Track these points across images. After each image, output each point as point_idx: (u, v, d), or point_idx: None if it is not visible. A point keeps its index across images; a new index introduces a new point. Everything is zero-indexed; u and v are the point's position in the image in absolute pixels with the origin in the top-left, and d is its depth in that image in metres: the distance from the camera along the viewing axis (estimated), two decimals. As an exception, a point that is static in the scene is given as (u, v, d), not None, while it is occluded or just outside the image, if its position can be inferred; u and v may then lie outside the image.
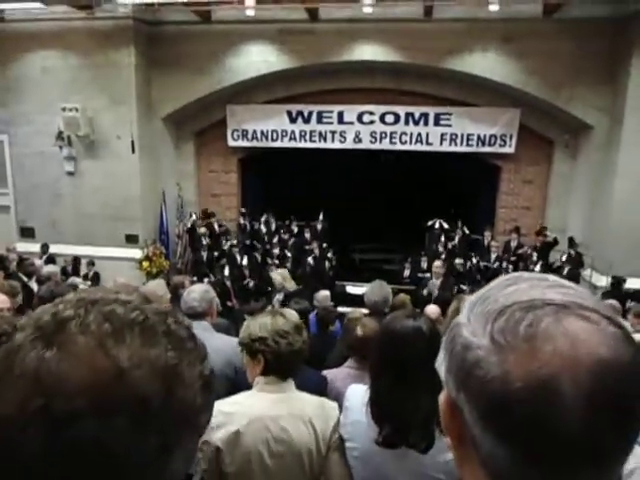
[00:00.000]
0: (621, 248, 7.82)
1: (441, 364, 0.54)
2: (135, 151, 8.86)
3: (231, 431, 1.59)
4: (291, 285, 5.24)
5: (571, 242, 8.36)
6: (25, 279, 5.64)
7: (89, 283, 7.80)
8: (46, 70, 8.99)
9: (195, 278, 8.47)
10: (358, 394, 1.62)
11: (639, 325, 4.59)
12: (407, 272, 8.77)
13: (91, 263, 8.81)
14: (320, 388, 2.20)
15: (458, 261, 8.47)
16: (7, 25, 8.90)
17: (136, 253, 9.28)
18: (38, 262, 7.22)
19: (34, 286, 5.36)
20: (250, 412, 1.62)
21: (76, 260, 8.93)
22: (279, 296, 4.86)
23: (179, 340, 0.53)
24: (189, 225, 9.60)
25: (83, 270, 8.83)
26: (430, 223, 9.35)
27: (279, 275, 5.63)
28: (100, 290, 0.56)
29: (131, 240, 9.33)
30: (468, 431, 0.50)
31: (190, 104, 9.42)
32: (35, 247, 9.11)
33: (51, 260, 8.76)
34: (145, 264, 9.20)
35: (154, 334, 0.51)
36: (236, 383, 2.21)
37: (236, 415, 1.62)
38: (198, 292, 2.71)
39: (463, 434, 0.51)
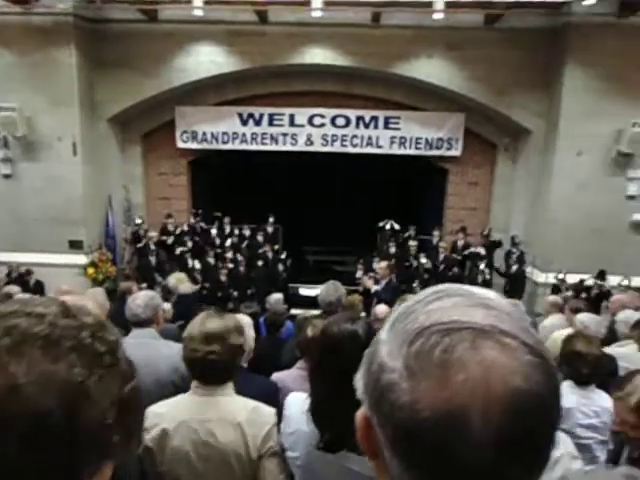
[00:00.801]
0: (559, 246, 8.28)
1: (359, 379, 0.53)
2: (78, 153, 8.51)
3: (159, 430, 1.62)
4: (186, 287, 5.15)
5: (513, 241, 8.76)
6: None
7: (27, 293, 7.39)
8: (-22, 67, 8.47)
9: (145, 285, 8.24)
10: (298, 402, 1.63)
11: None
12: (360, 273, 8.89)
13: (27, 273, 8.34)
14: (268, 395, 2.19)
15: (424, 261, 8.71)
16: None
17: (80, 259, 8.90)
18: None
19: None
20: (178, 414, 1.64)
21: (13, 268, 8.43)
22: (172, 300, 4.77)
23: (93, 355, 0.52)
24: (136, 229, 9.31)
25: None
26: (381, 224, 9.53)
27: (173, 278, 5.53)
28: (19, 302, 0.54)
29: (75, 246, 8.94)
30: (380, 450, 0.49)
31: (137, 105, 9.15)
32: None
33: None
34: (90, 270, 8.84)
35: (58, 349, 0.50)
36: (182, 390, 2.18)
37: (165, 416, 1.65)
38: (142, 299, 2.64)
39: (377, 451, 0.51)
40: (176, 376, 2.40)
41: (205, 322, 1.73)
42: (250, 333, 2.56)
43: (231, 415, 1.66)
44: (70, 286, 6.08)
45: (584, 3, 7.33)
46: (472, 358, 0.43)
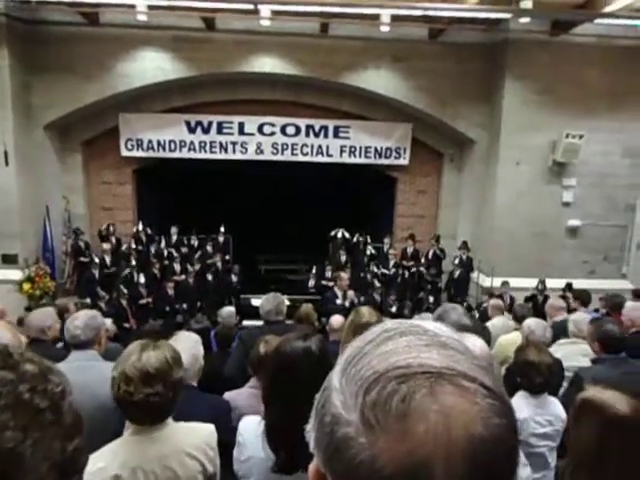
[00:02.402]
0: (502, 252, 8.64)
1: (311, 431, 0.49)
2: (10, 163, 8.00)
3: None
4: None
5: (464, 246, 9.03)
6: None
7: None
8: None
9: (88, 300, 7.85)
10: (251, 427, 1.58)
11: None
12: (312, 282, 8.89)
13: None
14: (220, 414, 2.10)
15: (384, 270, 8.83)
16: None
17: (15, 274, 8.34)
18: None
19: None
20: (127, 460, 1.48)
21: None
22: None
23: (30, 413, 0.47)
24: (76, 242, 8.85)
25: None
26: (333, 233, 9.57)
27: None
28: None
29: (9, 260, 8.38)
30: None
31: (77, 111, 8.74)
32: None
33: None
34: (26, 286, 8.30)
35: None
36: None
37: (112, 465, 1.47)
38: (82, 319, 2.47)
39: None
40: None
41: (141, 357, 1.52)
42: (199, 351, 2.46)
43: (174, 446, 1.55)
44: (3, 304, 5.72)
45: (520, 20, 7.73)
46: (431, 406, 0.41)
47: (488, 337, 3.78)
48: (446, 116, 9.07)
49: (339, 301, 7.00)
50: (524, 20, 7.70)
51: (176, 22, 8.27)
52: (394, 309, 8.46)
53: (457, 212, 9.96)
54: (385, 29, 8.18)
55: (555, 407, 2.52)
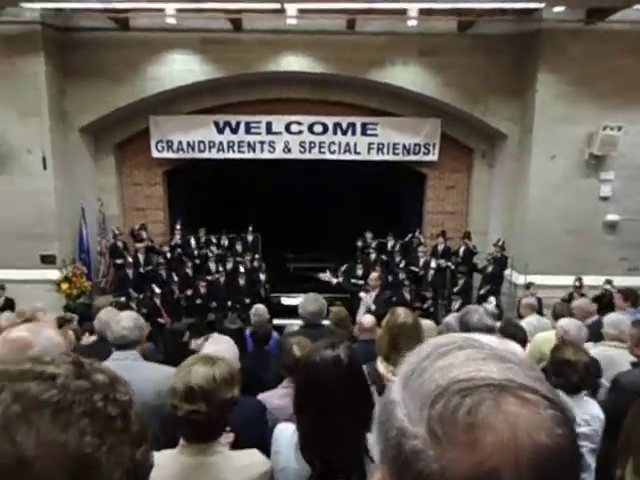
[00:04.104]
0: (536, 248, 8.41)
1: (375, 444, 0.50)
2: (48, 166, 8.26)
3: None
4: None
5: (499, 245, 8.83)
6: None
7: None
8: (-59, 78, 8.15)
9: (123, 298, 8.06)
10: (286, 437, 1.57)
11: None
12: (341, 280, 8.86)
13: (1, 287, 8.06)
14: (255, 417, 2.11)
15: (414, 268, 8.75)
16: None
17: (53, 274, 8.62)
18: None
19: None
20: (166, 478, 1.45)
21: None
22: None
23: (104, 420, 0.49)
24: (113, 242, 9.10)
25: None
26: (360, 243, 9.56)
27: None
28: (31, 361, 0.52)
29: (47, 260, 8.65)
30: None
31: (109, 115, 8.95)
32: None
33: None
34: (64, 286, 8.56)
35: (69, 415, 0.47)
36: (166, 415, 2.09)
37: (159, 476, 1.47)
38: (129, 320, 2.53)
39: None
40: (160, 401, 2.31)
41: (190, 372, 1.51)
42: (235, 352, 2.47)
43: (225, 477, 1.52)
44: (42, 303, 5.92)
45: (554, 9, 7.50)
46: (497, 418, 0.43)
47: (523, 336, 3.70)
48: (476, 110, 8.89)
49: (367, 301, 6.97)
50: (558, 9, 7.46)
51: (204, 24, 8.36)
52: (424, 307, 8.37)
53: (488, 208, 9.76)
54: (413, 23, 8.07)
55: (592, 407, 2.46)
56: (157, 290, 8.15)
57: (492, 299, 7.87)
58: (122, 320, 2.52)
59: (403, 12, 7.78)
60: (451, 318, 4.20)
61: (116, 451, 0.49)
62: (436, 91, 8.83)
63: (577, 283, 7.90)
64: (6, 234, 8.48)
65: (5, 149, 8.31)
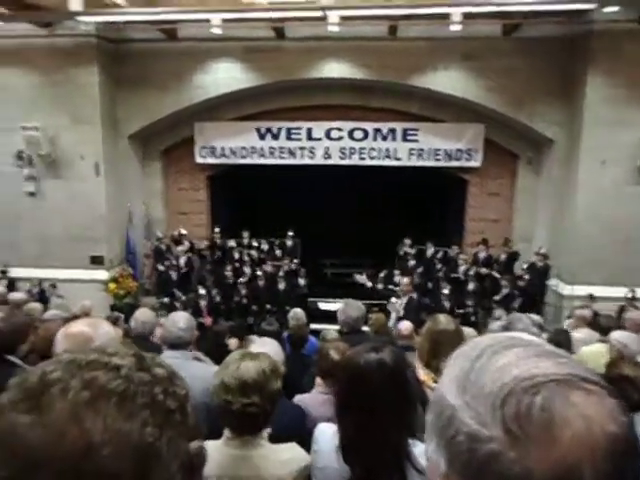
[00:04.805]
0: (584, 258, 8.07)
1: (435, 452, 0.49)
2: (99, 172, 8.65)
3: None
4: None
5: (541, 254, 8.52)
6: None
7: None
8: (5, 88, 8.70)
9: (167, 299, 8.32)
10: (326, 437, 1.57)
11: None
12: (379, 286, 8.79)
13: (52, 286, 8.49)
14: (296, 421, 2.13)
15: (455, 275, 8.60)
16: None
17: (102, 274, 9.00)
18: (1, 289, 6.89)
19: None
20: (209, 468, 1.49)
21: (41, 284, 8.59)
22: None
23: (164, 412, 0.51)
24: (157, 244, 9.41)
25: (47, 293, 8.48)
26: (400, 250, 9.47)
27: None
28: (97, 351, 0.54)
29: (96, 261, 9.05)
30: None
31: (157, 122, 9.29)
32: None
33: (12, 284, 8.41)
34: (112, 286, 8.93)
35: (133, 405, 0.49)
36: (213, 412, 2.14)
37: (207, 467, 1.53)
38: (183, 321, 2.62)
39: None
40: (208, 399, 2.38)
41: (240, 367, 1.58)
42: (280, 353, 2.51)
43: (265, 472, 1.56)
44: (92, 301, 6.20)
45: (605, 10, 7.22)
46: (570, 412, 0.43)
47: (568, 345, 3.56)
48: (521, 115, 8.66)
49: (396, 307, 6.87)
50: (610, 9, 7.18)
51: (247, 33, 8.56)
52: (464, 315, 8.19)
53: (533, 216, 9.45)
54: (456, 28, 7.96)
55: None
56: (202, 291, 8.37)
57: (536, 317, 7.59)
58: (177, 322, 2.60)
59: (446, 17, 7.70)
60: (495, 326, 4.10)
61: (174, 443, 0.50)
62: (479, 96, 8.67)
63: (630, 295, 7.52)
64: (60, 236, 8.94)
65: (59, 155, 8.78)
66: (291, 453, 1.65)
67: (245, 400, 1.53)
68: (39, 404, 0.46)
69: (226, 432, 1.62)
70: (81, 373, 0.49)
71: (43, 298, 8.04)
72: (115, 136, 9.17)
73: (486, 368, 0.48)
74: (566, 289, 8.22)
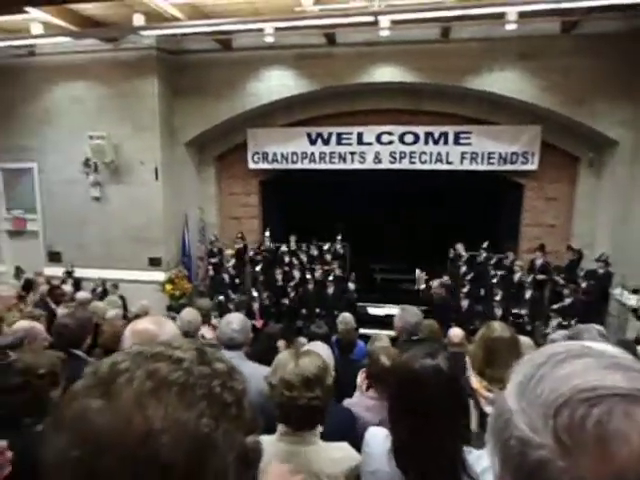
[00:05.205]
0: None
1: (493, 454, 0.50)
2: (158, 177, 9.07)
3: None
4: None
5: (602, 260, 8.09)
6: (53, 305, 5.75)
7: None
8: (74, 100, 9.33)
9: (222, 297, 8.55)
10: (378, 440, 1.58)
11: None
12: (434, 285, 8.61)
13: (114, 286, 8.95)
14: (347, 425, 2.14)
15: (523, 278, 8.31)
16: (38, 59, 9.29)
17: (159, 276, 9.40)
18: (68, 288, 7.36)
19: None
20: (262, 465, 1.57)
21: (104, 283, 9.10)
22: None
23: (221, 405, 0.53)
24: (210, 247, 9.72)
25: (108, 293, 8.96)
26: (451, 255, 9.28)
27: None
28: (162, 344, 0.57)
29: (154, 263, 9.47)
30: None
31: (211, 129, 9.62)
32: (62, 271, 9.38)
33: (77, 284, 8.96)
34: (168, 287, 9.30)
35: (192, 397, 0.51)
36: (267, 411, 2.19)
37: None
38: (237, 323, 2.67)
39: None
40: (262, 399, 2.44)
41: (299, 364, 1.63)
42: (330, 357, 2.54)
43: (316, 468, 1.59)
44: (149, 301, 6.49)
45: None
46: (631, 428, 0.42)
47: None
48: (581, 116, 8.27)
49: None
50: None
51: (299, 40, 8.70)
52: (518, 324, 7.90)
53: (594, 221, 8.97)
54: (511, 27, 7.73)
55: None
56: (255, 294, 8.57)
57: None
58: (231, 323, 2.66)
59: (501, 16, 7.50)
60: (557, 336, 3.94)
61: (230, 435, 0.52)
62: (536, 96, 8.37)
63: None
64: (121, 238, 9.45)
65: (122, 162, 9.28)
66: (343, 452, 1.68)
67: (310, 394, 1.58)
68: (108, 391, 0.50)
69: (280, 427, 1.67)
70: (146, 364, 0.52)
71: (106, 297, 8.50)
72: (172, 143, 9.58)
73: (548, 376, 0.48)
74: (631, 299, 7.74)
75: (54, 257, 9.91)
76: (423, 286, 8.30)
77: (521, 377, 0.50)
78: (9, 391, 1.73)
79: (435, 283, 7.07)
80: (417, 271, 8.20)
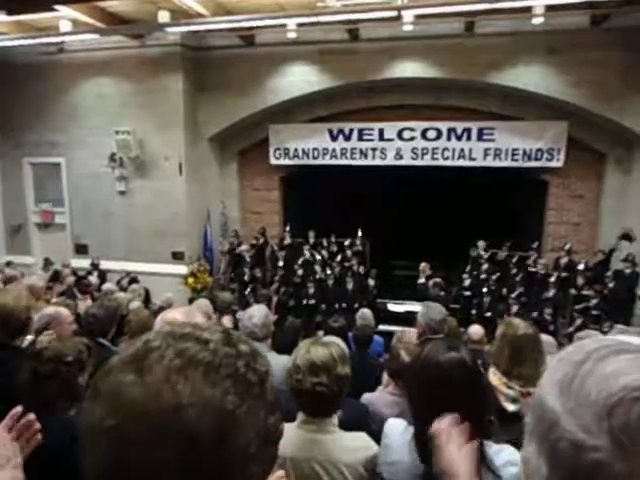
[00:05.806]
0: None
1: (536, 456, 0.48)
2: (182, 172, 9.22)
3: None
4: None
5: (629, 260, 7.90)
6: (79, 295, 5.92)
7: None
8: (100, 96, 9.53)
9: (239, 292, 8.64)
10: (398, 431, 1.59)
11: None
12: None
13: (134, 280, 9.08)
14: (358, 418, 2.16)
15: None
16: (66, 55, 9.52)
17: (182, 269, 9.56)
18: (94, 279, 7.55)
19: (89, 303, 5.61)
20: (283, 449, 1.61)
21: (129, 275, 9.29)
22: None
23: (245, 384, 0.56)
24: (232, 241, 9.83)
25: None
26: (473, 252, 9.18)
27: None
28: (191, 326, 0.61)
29: (177, 257, 9.63)
30: None
31: (234, 125, 9.70)
32: (88, 263, 9.63)
33: (102, 276, 9.18)
34: (190, 280, 9.45)
35: (217, 375, 0.55)
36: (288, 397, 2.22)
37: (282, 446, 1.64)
38: (259, 317, 2.71)
39: None
40: (285, 388, 2.49)
41: (310, 351, 1.71)
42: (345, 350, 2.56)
43: (334, 455, 1.64)
44: (172, 294, 6.61)
45: None
46: None
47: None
48: (610, 111, 8.06)
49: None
50: None
51: (322, 36, 8.69)
52: (539, 322, 7.78)
53: (622, 220, 8.74)
54: (538, 21, 7.58)
55: None
56: (273, 287, 8.65)
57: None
58: (253, 317, 2.70)
59: (528, 10, 7.35)
60: (585, 335, 3.87)
61: (253, 413, 0.55)
62: (563, 91, 8.19)
63: None
64: (145, 232, 9.63)
65: (146, 156, 9.45)
66: (360, 442, 1.71)
67: (314, 379, 1.64)
68: (141, 367, 0.54)
69: (300, 415, 1.72)
70: (175, 343, 0.56)
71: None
72: (196, 139, 9.70)
73: (592, 374, 0.46)
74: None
75: (81, 249, 10.17)
76: (423, 280, 8.19)
77: (560, 376, 0.49)
78: (41, 378, 1.82)
79: (430, 283, 7.02)
80: (422, 264, 8.13)
